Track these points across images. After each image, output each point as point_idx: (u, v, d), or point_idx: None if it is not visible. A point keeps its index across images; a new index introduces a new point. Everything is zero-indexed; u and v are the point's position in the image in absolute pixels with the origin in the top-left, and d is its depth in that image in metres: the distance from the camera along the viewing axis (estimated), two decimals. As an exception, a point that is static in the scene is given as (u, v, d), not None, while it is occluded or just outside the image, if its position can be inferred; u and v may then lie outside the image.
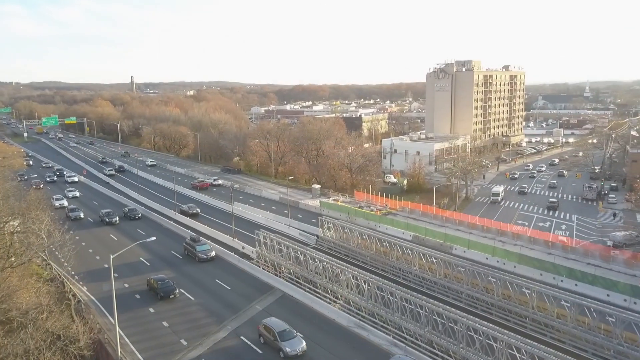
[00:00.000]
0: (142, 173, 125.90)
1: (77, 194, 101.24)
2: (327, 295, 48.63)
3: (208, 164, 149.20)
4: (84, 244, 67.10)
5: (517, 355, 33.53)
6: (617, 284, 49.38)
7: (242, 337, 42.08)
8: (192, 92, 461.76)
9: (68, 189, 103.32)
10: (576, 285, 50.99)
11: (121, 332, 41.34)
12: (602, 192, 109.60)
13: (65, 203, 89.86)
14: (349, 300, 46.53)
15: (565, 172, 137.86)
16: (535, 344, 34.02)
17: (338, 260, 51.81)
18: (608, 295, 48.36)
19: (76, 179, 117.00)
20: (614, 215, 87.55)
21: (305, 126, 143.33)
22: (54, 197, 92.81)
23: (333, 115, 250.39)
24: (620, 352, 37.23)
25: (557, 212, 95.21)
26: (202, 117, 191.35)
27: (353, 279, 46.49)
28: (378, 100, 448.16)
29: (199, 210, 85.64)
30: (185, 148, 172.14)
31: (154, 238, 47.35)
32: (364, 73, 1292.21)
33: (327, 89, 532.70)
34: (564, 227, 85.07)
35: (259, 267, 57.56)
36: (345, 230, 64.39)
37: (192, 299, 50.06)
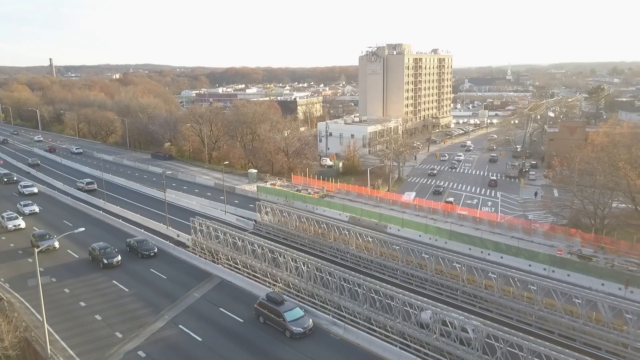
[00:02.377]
0: (67, 162, 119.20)
1: (37, 209, 75.97)
2: (267, 279, 48.67)
3: (138, 150, 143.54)
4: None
5: (450, 328, 35.21)
6: (538, 255, 53.10)
7: (180, 326, 41.31)
8: (117, 76, 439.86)
9: (24, 204, 77.02)
10: (502, 257, 54.27)
11: (50, 329, 39.30)
12: (524, 170, 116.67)
13: (22, 224, 68.25)
14: (288, 282, 46.84)
15: (496, 155, 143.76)
16: (466, 314, 35.98)
17: (277, 244, 51.88)
18: (530, 265, 51.91)
19: (35, 190, 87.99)
20: (535, 194, 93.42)
21: (239, 110, 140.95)
22: (4, 215, 69.82)
23: (267, 98, 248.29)
24: (541, 317, 40.15)
25: (492, 191, 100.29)
26: (130, 102, 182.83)
27: (292, 261, 46.78)
28: (312, 83, 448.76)
29: (96, 185, 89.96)
30: (113, 134, 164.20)
31: (83, 229, 45.15)
32: (298, 56, 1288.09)
33: (260, 72, 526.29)
34: (489, 203, 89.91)
35: (196, 254, 56.51)
36: (284, 214, 64.47)
37: (126, 290, 48.38)
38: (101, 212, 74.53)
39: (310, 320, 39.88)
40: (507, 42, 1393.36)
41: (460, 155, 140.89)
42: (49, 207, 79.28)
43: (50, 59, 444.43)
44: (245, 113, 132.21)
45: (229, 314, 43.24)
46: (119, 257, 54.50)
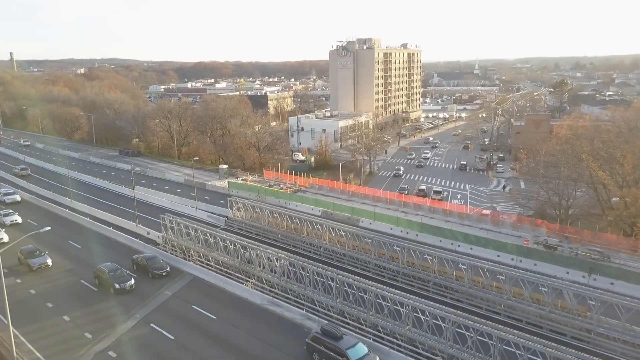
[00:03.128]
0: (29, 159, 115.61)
1: (19, 219, 68.29)
2: (240, 275, 48.42)
3: (105, 147, 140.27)
4: None
5: (422, 317, 35.83)
6: (506, 245, 54.41)
7: (152, 325, 40.72)
8: (82, 71, 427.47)
9: (3, 213, 69.41)
10: (471, 248, 55.38)
11: (15, 331, 38.13)
12: (492, 163, 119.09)
13: (5, 238, 59.77)
14: (261, 278, 46.70)
15: (467, 144, 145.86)
16: (438, 305, 36.62)
17: (249, 240, 51.63)
18: (498, 255, 53.15)
19: (18, 198, 78.85)
20: (504, 187, 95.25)
21: (209, 104, 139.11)
22: None
23: (237, 93, 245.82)
24: (510, 306, 41.22)
25: (451, 182, 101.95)
26: (96, 97, 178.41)
27: (265, 257, 46.65)
28: (283, 78, 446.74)
29: (29, 171, 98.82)
30: (79, 130, 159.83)
31: (49, 228, 43.84)
32: (268, 50, 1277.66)
33: (229, 66, 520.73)
34: (459, 196, 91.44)
35: (167, 252, 55.72)
36: (256, 210, 64.14)
37: (96, 290, 47.37)
38: (67, 210, 72.63)
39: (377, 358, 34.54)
40: (474, 37, 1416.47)
41: (427, 153, 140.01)
42: (52, 224, 76.76)
43: (10, 53, 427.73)
44: (215, 108, 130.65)
45: (202, 311, 42.86)
46: (132, 281, 47.22)
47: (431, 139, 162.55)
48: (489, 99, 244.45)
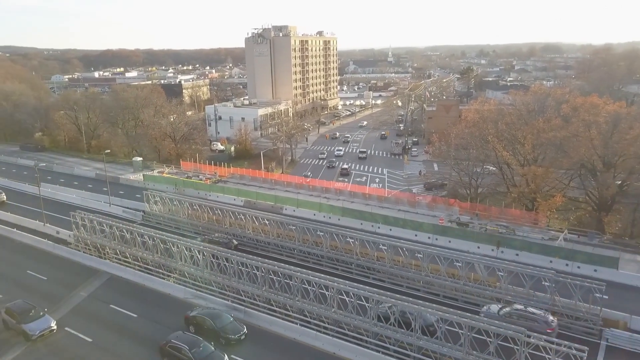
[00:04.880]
0: None
1: None
2: (161, 270, 46.82)
3: (3, 143, 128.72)
4: None
5: (347, 298, 36.74)
6: (422, 225, 57.06)
7: (67, 328, 38.34)
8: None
9: None
10: (390, 230, 57.44)
11: None
12: (407, 147, 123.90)
13: None
14: (184, 272, 45.47)
15: (378, 134, 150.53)
16: (361, 286, 37.70)
17: (169, 234, 49.99)
18: (416, 235, 55.59)
19: None
20: (420, 172, 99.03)
21: (119, 95, 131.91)
22: None
23: (150, 82, 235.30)
24: (428, 282, 43.38)
25: (369, 167, 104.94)
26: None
27: (186, 250, 45.42)
28: (197, 66, 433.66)
29: None
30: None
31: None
32: (180, 38, 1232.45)
33: (140, 54, 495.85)
34: (377, 180, 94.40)
35: (80, 251, 52.54)
36: (174, 203, 62.14)
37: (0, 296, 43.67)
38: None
39: None
40: (387, 24, 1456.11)
41: (348, 136, 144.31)
42: None
43: None
44: (126, 98, 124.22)
45: (121, 310, 41.02)
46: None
47: (365, 123, 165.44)
48: (403, 86, 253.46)
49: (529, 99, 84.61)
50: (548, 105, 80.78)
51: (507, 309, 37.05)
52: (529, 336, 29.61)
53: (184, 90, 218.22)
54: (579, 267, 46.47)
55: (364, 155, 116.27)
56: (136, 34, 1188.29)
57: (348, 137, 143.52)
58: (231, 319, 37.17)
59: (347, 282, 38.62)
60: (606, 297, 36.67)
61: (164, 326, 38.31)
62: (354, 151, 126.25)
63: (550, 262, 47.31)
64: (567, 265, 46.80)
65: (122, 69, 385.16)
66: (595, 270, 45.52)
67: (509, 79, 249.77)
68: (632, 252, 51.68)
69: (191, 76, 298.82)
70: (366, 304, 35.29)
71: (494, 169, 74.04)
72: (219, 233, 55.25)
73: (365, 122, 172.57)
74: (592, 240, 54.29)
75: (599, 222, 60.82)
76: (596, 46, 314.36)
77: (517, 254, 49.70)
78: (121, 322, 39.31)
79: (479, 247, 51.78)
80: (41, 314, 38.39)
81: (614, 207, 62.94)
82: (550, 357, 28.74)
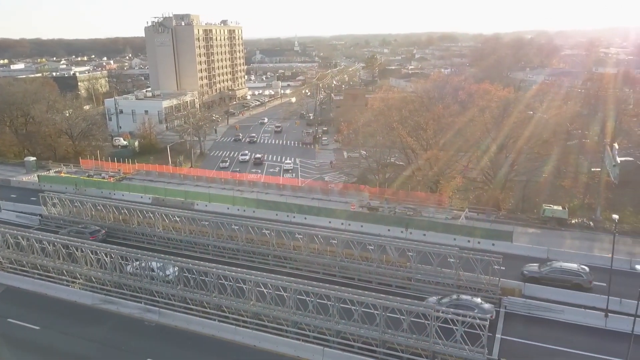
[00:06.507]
0: None
1: None
2: (64, 277, 43.79)
3: None
4: None
5: (265, 290, 36.78)
6: (335, 212, 58.42)
7: (-44, 350, 34.80)
8: None
9: None
10: (305, 218, 58.13)
11: None
12: (317, 136, 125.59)
13: None
14: (90, 277, 42.90)
15: (285, 124, 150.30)
16: (279, 276, 37.95)
17: (71, 238, 46.80)
18: (330, 222, 56.67)
19: None
20: (330, 163, 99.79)
21: (5, 89, 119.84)
22: None
23: (40, 74, 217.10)
24: (343, 267, 44.58)
25: (283, 157, 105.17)
26: None
27: (92, 253, 42.84)
28: (93, 56, 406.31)
29: None
30: None
31: None
32: (72, 26, 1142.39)
33: (27, 44, 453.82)
34: (290, 169, 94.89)
35: (-33, 263, 47.61)
36: (75, 204, 58.16)
37: None
38: None
39: None
40: (292, 13, 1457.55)
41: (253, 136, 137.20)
42: None
43: None
44: (13, 93, 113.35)
45: (21, 323, 37.93)
46: None
47: (266, 120, 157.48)
48: (310, 75, 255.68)
49: (430, 86, 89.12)
50: (446, 92, 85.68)
51: (446, 299, 37.62)
52: (438, 311, 31.60)
53: (79, 83, 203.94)
54: (479, 243, 50.14)
55: (279, 129, 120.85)
56: (21, 21, 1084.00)
57: (254, 136, 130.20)
58: None
59: (264, 273, 38.67)
60: (503, 268, 39.90)
61: (74, 336, 36.10)
62: (266, 141, 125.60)
63: (454, 239, 50.55)
64: (468, 241, 50.29)
65: (6, 61, 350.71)
66: (493, 245, 49.39)
67: (410, 67, 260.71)
68: (523, 226, 56.78)
69: (87, 68, 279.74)
70: (285, 294, 35.58)
71: (400, 154, 77.38)
72: (84, 224, 54.12)
73: (266, 119, 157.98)
74: (490, 217, 58.85)
75: (494, 200, 65.89)
76: (486, 35, 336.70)
77: (424, 234, 52.52)
78: (22, 337, 36.44)
79: (389, 230, 53.99)
80: None
81: (507, 185, 68.57)
82: (457, 328, 30.88)
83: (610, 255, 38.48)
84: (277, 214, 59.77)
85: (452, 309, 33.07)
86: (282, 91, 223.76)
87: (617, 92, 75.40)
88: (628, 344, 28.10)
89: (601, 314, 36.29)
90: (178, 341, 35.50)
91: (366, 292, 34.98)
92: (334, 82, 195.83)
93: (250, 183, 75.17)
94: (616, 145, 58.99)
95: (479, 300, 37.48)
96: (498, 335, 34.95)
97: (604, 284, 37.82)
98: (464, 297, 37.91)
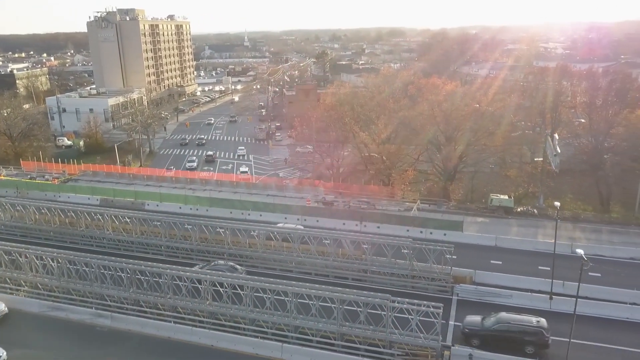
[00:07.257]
0: None
1: None
2: (7, 285, 41.65)
3: None
4: None
5: (221, 289, 36.35)
6: (291, 207, 58.48)
7: None
8: None
9: None
10: (261, 215, 57.83)
11: None
12: (270, 132, 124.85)
13: None
14: (36, 284, 41.04)
15: (238, 119, 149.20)
16: (235, 275, 37.66)
17: (13, 244, 44.57)
18: (286, 218, 56.68)
19: None
20: (285, 160, 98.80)
21: None
22: None
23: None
24: (300, 262, 44.68)
25: (235, 154, 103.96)
26: None
27: (37, 259, 40.98)
28: (32, 53, 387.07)
29: None
30: None
31: None
32: (7, 20, 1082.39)
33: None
34: (244, 166, 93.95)
35: None
36: (17, 208, 55.34)
37: None
38: None
39: None
40: (241, 8, 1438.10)
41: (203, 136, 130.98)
42: None
43: None
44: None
45: (-40, 336, 35.81)
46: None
47: (212, 120, 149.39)
48: (261, 71, 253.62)
49: (380, 81, 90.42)
50: (396, 87, 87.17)
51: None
52: (393, 301, 32.25)
53: (17, 81, 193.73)
54: (431, 233, 51.51)
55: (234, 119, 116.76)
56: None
57: (203, 138, 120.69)
58: None
59: (220, 272, 38.22)
60: (455, 257, 41.22)
61: (20, 347, 34.40)
62: (218, 139, 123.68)
63: (407, 230, 51.72)
64: (421, 232, 51.58)
65: None
66: (444, 235, 50.91)
67: (360, 62, 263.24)
68: (472, 215, 58.82)
69: (25, 64, 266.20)
70: (241, 292, 35.30)
71: (353, 148, 78.12)
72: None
73: (212, 119, 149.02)
74: (441, 208, 60.58)
75: (445, 191, 67.81)
76: (433, 30, 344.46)
77: (378, 227, 53.39)
78: (-38, 351, 34.35)
79: (344, 224, 54.54)
80: None
81: (457, 176, 70.65)
82: (412, 317, 31.65)
83: (553, 241, 40.48)
84: (231, 212, 59.12)
85: (405, 301, 33.71)
86: (233, 87, 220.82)
87: (556, 85, 78.93)
88: (571, 324, 29.66)
89: (546, 296, 38.17)
90: (133, 346, 34.58)
91: (323, 286, 35.24)
92: (286, 78, 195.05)
93: (203, 181, 73.98)
94: (556, 136, 62.02)
95: (231, 264, 43.10)
96: (451, 322, 36.11)
97: (548, 268, 39.72)
98: (220, 262, 43.36)
